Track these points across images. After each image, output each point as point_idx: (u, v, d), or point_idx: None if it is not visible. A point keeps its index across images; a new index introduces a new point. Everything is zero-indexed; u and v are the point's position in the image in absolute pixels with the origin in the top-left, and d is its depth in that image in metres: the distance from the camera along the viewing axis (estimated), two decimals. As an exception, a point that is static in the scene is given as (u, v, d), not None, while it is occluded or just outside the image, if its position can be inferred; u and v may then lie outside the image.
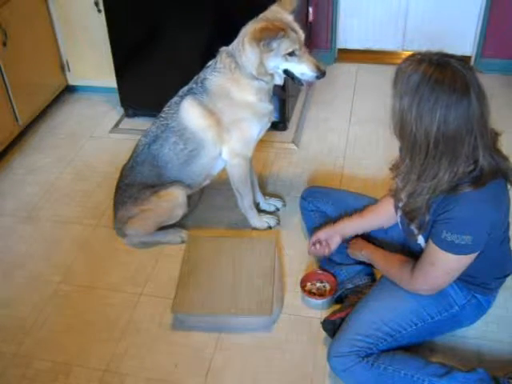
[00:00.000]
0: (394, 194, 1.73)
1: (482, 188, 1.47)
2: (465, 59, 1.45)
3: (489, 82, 3.71)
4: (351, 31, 3.70)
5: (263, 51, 1.97)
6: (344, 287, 2.01)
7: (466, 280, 1.69)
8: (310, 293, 2.07)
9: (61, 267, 2.28)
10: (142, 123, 3.01)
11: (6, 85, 2.84)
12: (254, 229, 2.41)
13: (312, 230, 2.14)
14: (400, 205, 1.69)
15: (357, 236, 2.07)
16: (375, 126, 3.01)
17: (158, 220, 2.30)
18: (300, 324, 2.00)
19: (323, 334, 1.90)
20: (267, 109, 2.17)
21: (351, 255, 2.04)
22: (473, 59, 3.54)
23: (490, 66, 3.46)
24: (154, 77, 3.00)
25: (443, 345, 1.87)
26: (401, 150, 1.59)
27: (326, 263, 2.13)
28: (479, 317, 1.82)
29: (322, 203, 2.16)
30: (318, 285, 2.10)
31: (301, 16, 3.15)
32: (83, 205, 2.62)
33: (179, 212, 2.30)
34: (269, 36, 1.92)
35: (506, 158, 1.56)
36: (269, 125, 2.28)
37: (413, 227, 1.66)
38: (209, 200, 2.60)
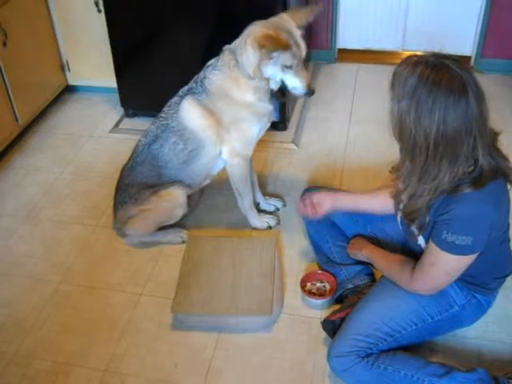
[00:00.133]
0: (395, 196, 1.73)
1: (483, 188, 1.47)
2: (462, 59, 1.46)
3: (489, 82, 3.72)
4: (351, 31, 3.70)
5: (263, 58, 1.97)
6: (344, 287, 2.01)
7: (466, 280, 1.69)
8: (310, 293, 2.07)
9: (61, 267, 2.28)
10: (142, 123, 3.01)
11: (5, 85, 2.84)
12: (254, 229, 2.41)
13: (306, 192, 2.13)
14: (400, 206, 1.70)
15: (356, 236, 2.07)
16: (375, 125, 3.00)
17: (158, 220, 2.30)
18: (300, 324, 2.00)
19: (323, 333, 1.90)
20: (267, 109, 2.17)
21: (351, 255, 2.04)
22: (473, 59, 3.54)
23: (490, 66, 3.46)
24: (154, 77, 3.00)
25: (443, 345, 1.87)
26: (401, 152, 1.59)
27: (326, 262, 2.13)
28: (479, 317, 1.82)
29: (322, 203, 2.16)
30: (318, 285, 2.10)
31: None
32: (83, 205, 2.62)
33: (179, 212, 2.30)
34: (271, 46, 1.93)
35: (505, 158, 1.56)
36: (268, 125, 2.28)
37: (413, 228, 1.66)
38: (209, 200, 2.60)
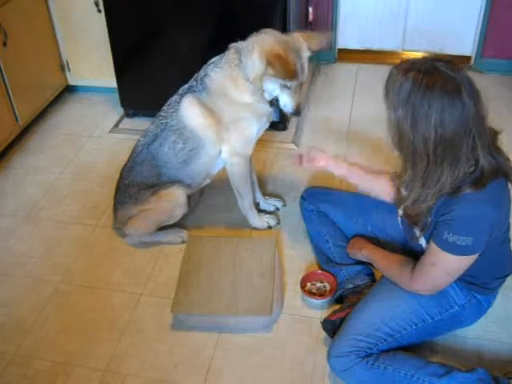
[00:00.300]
0: (398, 201, 1.73)
1: (483, 189, 1.48)
2: (461, 59, 1.46)
3: (489, 82, 3.72)
4: (351, 31, 3.70)
5: (266, 72, 2.00)
6: (344, 287, 2.01)
7: (466, 280, 1.69)
8: (310, 293, 2.07)
9: (61, 267, 2.28)
10: (142, 123, 3.01)
11: (5, 85, 2.84)
12: (254, 229, 2.41)
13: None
14: (401, 207, 1.70)
15: (356, 236, 2.07)
16: (375, 125, 2.99)
17: (158, 220, 2.30)
18: (300, 324, 2.00)
19: (323, 333, 1.90)
20: (266, 109, 2.17)
21: (351, 255, 2.04)
22: (473, 59, 3.54)
23: (490, 66, 3.46)
24: (154, 77, 3.00)
25: (443, 345, 1.87)
26: (401, 160, 1.59)
27: (326, 262, 2.13)
28: (479, 317, 1.82)
29: (322, 203, 2.16)
30: (318, 285, 2.10)
31: (301, 16, 3.16)
32: (83, 205, 2.62)
33: (179, 212, 2.30)
34: (279, 69, 1.96)
35: (507, 158, 1.56)
36: (268, 124, 2.28)
37: (415, 229, 1.66)
38: (209, 200, 2.60)
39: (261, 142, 2.34)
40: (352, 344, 1.66)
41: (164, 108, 2.23)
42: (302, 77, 2.04)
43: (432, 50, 3.54)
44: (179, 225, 2.40)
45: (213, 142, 2.18)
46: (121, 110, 3.27)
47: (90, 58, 3.28)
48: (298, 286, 2.09)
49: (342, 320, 1.80)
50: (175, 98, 2.21)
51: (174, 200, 2.25)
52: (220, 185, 2.55)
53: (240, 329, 1.98)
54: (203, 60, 2.21)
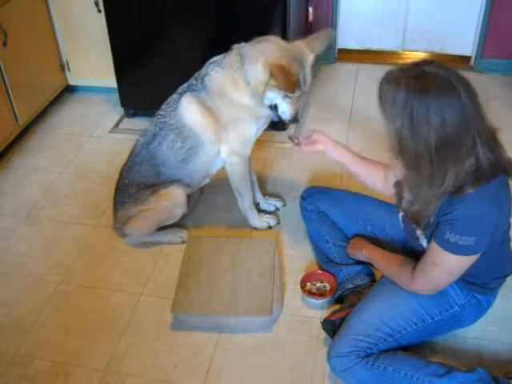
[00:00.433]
0: (400, 204, 1.73)
1: (485, 188, 1.47)
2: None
3: (489, 81, 3.71)
4: (351, 31, 3.70)
5: (268, 83, 2.00)
6: (344, 287, 2.01)
7: (466, 280, 1.69)
8: (310, 293, 2.07)
9: (61, 267, 2.28)
10: (142, 123, 3.01)
11: (5, 85, 2.84)
12: (254, 229, 2.41)
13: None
14: (403, 207, 1.70)
15: (356, 236, 2.07)
16: (375, 125, 2.99)
17: (158, 220, 2.30)
18: (300, 324, 2.00)
19: (323, 333, 1.90)
20: (265, 112, 2.16)
21: (351, 255, 2.04)
22: (473, 59, 3.54)
23: (490, 66, 3.46)
24: (154, 77, 3.00)
25: (443, 345, 1.87)
26: (404, 167, 1.57)
27: (326, 262, 2.13)
28: (479, 317, 1.82)
29: (322, 203, 2.16)
30: (318, 285, 2.10)
31: (301, 16, 3.16)
32: (83, 205, 2.62)
33: (179, 211, 2.30)
34: (281, 81, 1.96)
35: (507, 157, 1.56)
36: (266, 125, 2.28)
37: (417, 229, 1.66)
38: (209, 200, 2.60)
39: (260, 142, 2.34)
40: (352, 344, 1.66)
41: (163, 107, 2.23)
42: (304, 88, 2.05)
43: (432, 49, 3.56)
44: (179, 225, 2.40)
45: (211, 141, 2.18)
46: (121, 110, 3.27)
47: (90, 58, 3.28)
48: (298, 286, 2.09)
49: (342, 320, 1.80)
50: (174, 96, 2.20)
51: (173, 199, 2.25)
52: (220, 184, 2.55)
53: (240, 329, 1.98)
54: (203, 60, 2.20)
